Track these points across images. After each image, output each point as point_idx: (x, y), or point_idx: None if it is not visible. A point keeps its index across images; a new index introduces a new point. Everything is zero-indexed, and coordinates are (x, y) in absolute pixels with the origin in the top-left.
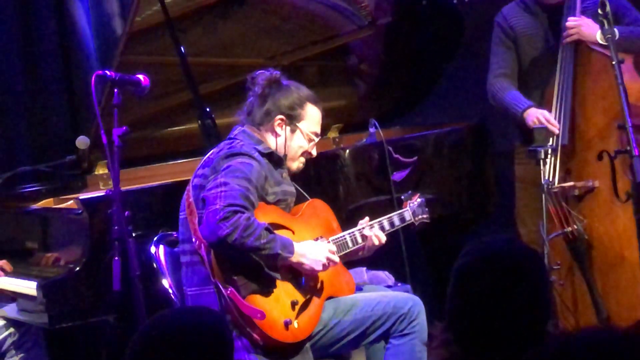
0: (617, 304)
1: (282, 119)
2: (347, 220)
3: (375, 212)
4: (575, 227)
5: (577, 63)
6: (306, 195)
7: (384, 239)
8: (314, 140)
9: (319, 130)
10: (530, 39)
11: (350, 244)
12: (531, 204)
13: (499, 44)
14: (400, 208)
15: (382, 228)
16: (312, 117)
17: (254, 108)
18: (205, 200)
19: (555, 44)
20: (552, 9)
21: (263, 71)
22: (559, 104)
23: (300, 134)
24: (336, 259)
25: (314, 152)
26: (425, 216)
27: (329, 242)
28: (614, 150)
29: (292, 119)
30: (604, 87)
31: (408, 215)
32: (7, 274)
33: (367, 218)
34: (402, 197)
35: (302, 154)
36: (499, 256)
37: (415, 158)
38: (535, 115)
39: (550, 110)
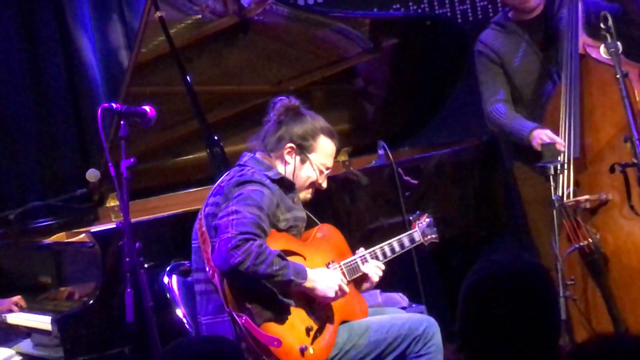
0: (636, 317)
1: (292, 147)
2: (359, 243)
3: (386, 234)
4: (591, 240)
5: (583, 75)
6: (316, 220)
7: (380, 270)
8: (324, 172)
9: (330, 164)
10: (516, 57)
11: (361, 268)
12: (543, 222)
13: (486, 71)
14: (410, 229)
15: (392, 250)
16: (324, 149)
17: (267, 134)
18: (217, 228)
19: (543, 56)
20: (530, 23)
21: (283, 98)
22: (567, 118)
23: (309, 165)
24: (346, 289)
25: (324, 184)
26: (434, 236)
27: (340, 266)
28: (622, 163)
29: (302, 149)
30: (613, 99)
31: (417, 235)
32: (21, 309)
33: (362, 249)
34: (411, 218)
35: (310, 185)
36: (505, 273)
37: (416, 182)
38: (539, 136)
39: (556, 123)
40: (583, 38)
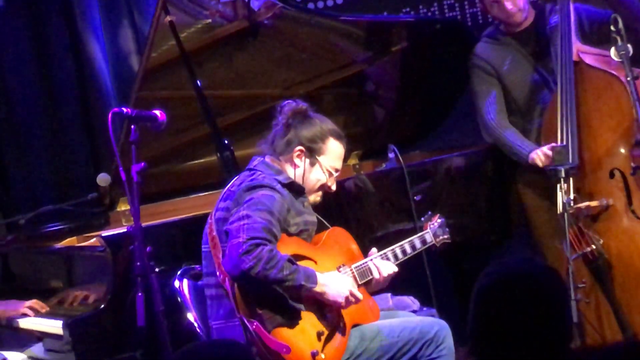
0: None
1: (301, 150)
2: (370, 246)
3: (397, 237)
4: (594, 247)
5: (578, 82)
6: (326, 224)
7: (392, 269)
8: (333, 174)
9: (339, 166)
10: (511, 68)
11: (372, 268)
12: (546, 228)
13: (481, 83)
14: (422, 231)
15: (403, 252)
16: (333, 152)
17: (276, 137)
18: (228, 233)
19: (538, 65)
20: (521, 34)
21: (290, 101)
22: (564, 125)
23: (319, 168)
24: (359, 295)
25: (333, 187)
26: (446, 236)
27: (351, 269)
28: (631, 167)
29: (312, 152)
30: (610, 105)
31: (429, 237)
32: (37, 314)
33: (374, 249)
34: (422, 219)
35: (320, 188)
36: (517, 276)
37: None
38: (541, 154)
39: (555, 132)
40: (576, 45)
